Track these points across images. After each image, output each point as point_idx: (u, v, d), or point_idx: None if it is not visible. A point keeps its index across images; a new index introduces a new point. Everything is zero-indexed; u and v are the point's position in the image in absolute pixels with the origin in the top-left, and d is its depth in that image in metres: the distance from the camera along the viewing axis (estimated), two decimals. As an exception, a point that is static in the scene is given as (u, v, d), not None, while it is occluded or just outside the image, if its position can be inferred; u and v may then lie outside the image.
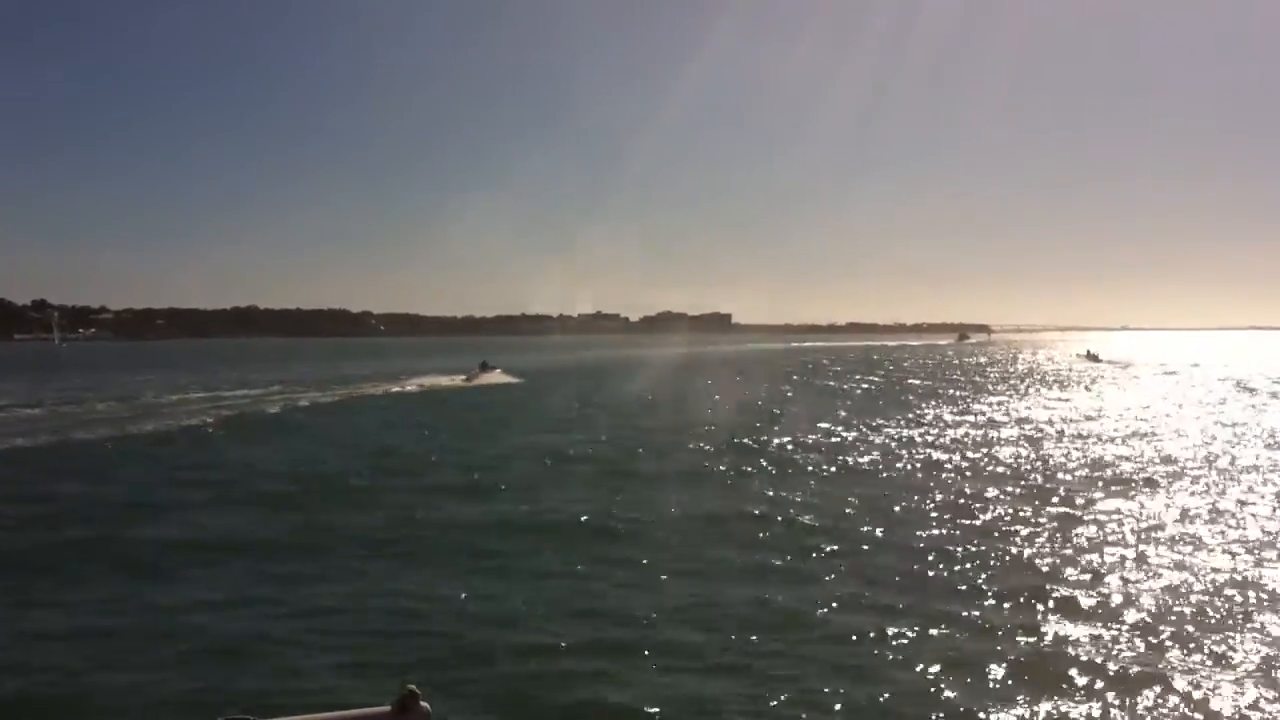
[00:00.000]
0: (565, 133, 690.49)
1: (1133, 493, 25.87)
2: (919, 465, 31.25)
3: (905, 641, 13.97)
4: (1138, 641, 14.03)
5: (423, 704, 8.50)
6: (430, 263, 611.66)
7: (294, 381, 76.11)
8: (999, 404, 57.48)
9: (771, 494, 25.94)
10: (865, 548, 19.81)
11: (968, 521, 22.24)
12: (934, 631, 14.36)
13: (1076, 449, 35.24)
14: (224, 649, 13.90)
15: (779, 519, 22.54)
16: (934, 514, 23.09)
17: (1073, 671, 12.79)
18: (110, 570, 18.09)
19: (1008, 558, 18.85)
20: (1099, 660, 13.17)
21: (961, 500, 24.85)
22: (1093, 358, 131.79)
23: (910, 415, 49.34)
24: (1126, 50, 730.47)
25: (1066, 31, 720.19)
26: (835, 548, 19.67)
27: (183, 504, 24.95)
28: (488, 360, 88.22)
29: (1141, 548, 19.56)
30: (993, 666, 12.98)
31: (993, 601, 15.94)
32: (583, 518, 22.86)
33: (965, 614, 15.13)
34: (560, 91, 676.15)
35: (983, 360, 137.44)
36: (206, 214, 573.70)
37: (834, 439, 38.68)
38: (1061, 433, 40.82)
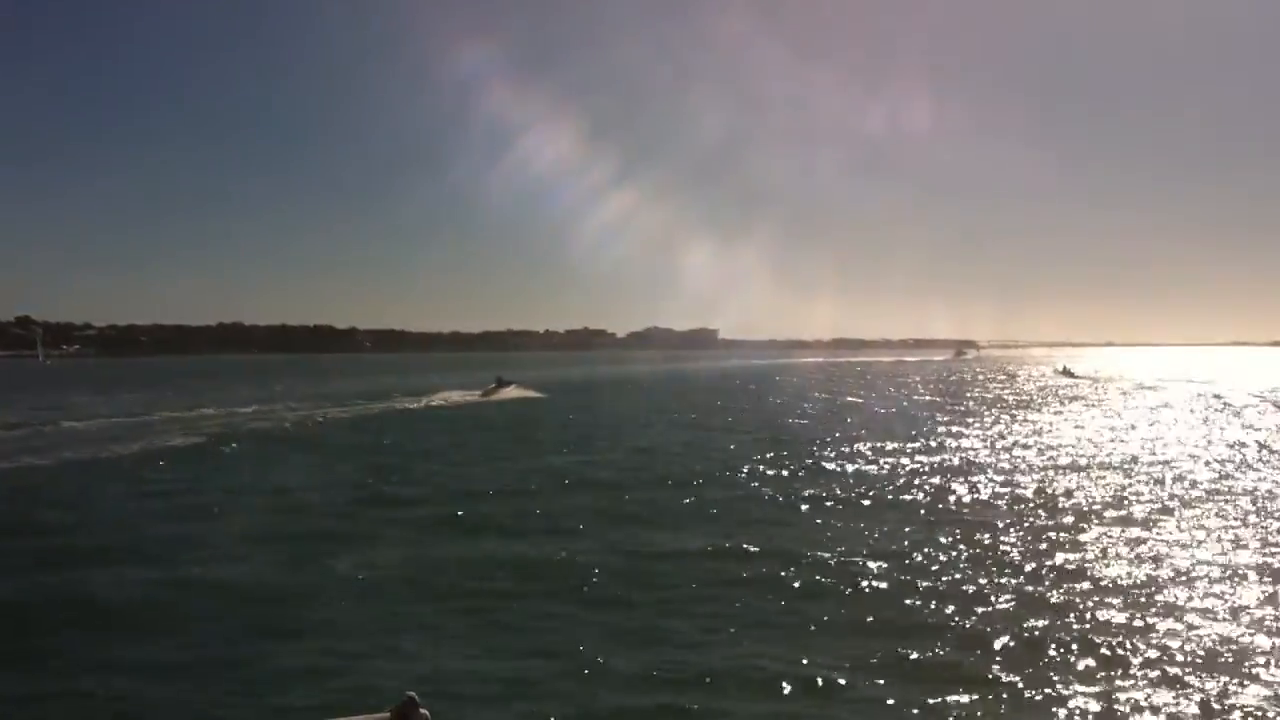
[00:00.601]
0: (556, 149, 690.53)
1: (1107, 514, 26.63)
2: (927, 492, 30.82)
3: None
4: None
5: (421, 711, 8.84)
6: (416, 279, 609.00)
7: (323, 397, 77.38)
8: (993, 425, 58.31)
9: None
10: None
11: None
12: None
13: (1039, 472, 36.05)
14: (225, 656, 14.29)
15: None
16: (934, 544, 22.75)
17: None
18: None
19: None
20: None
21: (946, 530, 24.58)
22: (1067, 373, 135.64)
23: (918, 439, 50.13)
24: (1110, 68, 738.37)
25: (1047, 45, 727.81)
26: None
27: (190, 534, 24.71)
28: (502, 376, 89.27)
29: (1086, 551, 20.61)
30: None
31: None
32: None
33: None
34: (549, 102, 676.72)
35: (968, 377, 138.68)
36: (191, 230, 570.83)
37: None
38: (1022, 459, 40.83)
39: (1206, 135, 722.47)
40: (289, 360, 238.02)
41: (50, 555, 21.65)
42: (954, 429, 52.70)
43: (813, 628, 16.43)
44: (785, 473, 35.13)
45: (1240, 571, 19.71)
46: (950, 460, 38.23)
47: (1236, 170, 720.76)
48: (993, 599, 17.88)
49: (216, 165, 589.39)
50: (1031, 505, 28.03)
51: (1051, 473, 34.61)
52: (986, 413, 65.70)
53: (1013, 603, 17.66)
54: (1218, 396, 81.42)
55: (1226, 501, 28.25)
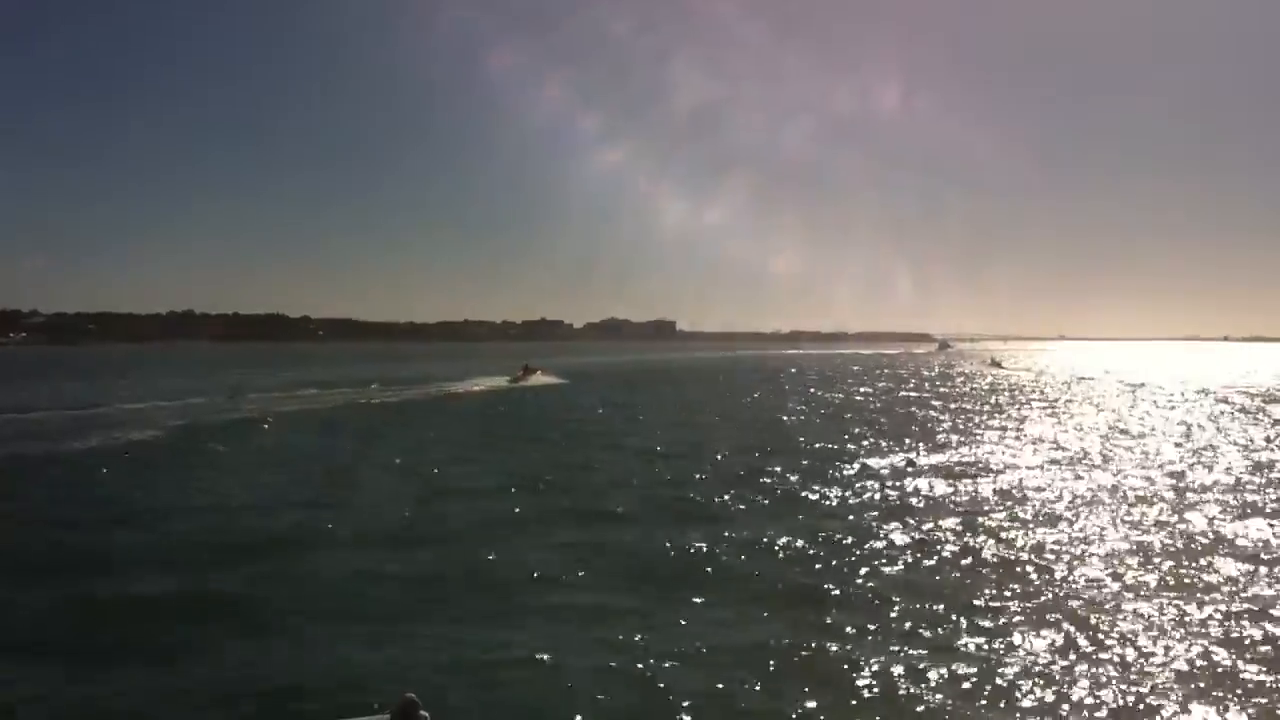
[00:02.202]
0: (510, 140, 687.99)
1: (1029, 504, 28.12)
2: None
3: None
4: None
5: (421, 712, 9.08)
6: (370, 268, 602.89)
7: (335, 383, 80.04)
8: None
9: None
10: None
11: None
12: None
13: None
14: (224, 663, 14.54)
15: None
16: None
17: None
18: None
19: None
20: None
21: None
22: (996, 364, 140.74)
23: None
24: (1063, 63, 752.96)
25: (1001, 41, 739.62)
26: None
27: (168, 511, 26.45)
28: (529, 363, 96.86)
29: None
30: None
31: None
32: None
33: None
34: (501, 99, 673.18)
35: (929, 372, 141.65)
36: (140, 216, 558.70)
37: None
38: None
39: (1162, 135, 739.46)
40: (262, 349, 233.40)
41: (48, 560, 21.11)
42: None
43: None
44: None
45: (1067, 552, 21.89)
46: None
47: (1193, 168, 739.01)
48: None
49: (166, 150, 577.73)
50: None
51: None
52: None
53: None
54: (1133, 389, 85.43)
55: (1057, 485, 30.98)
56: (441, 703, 10.85)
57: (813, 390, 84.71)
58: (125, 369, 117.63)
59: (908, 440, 44.01)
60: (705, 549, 22.26)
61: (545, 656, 14.63)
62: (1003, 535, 23.79)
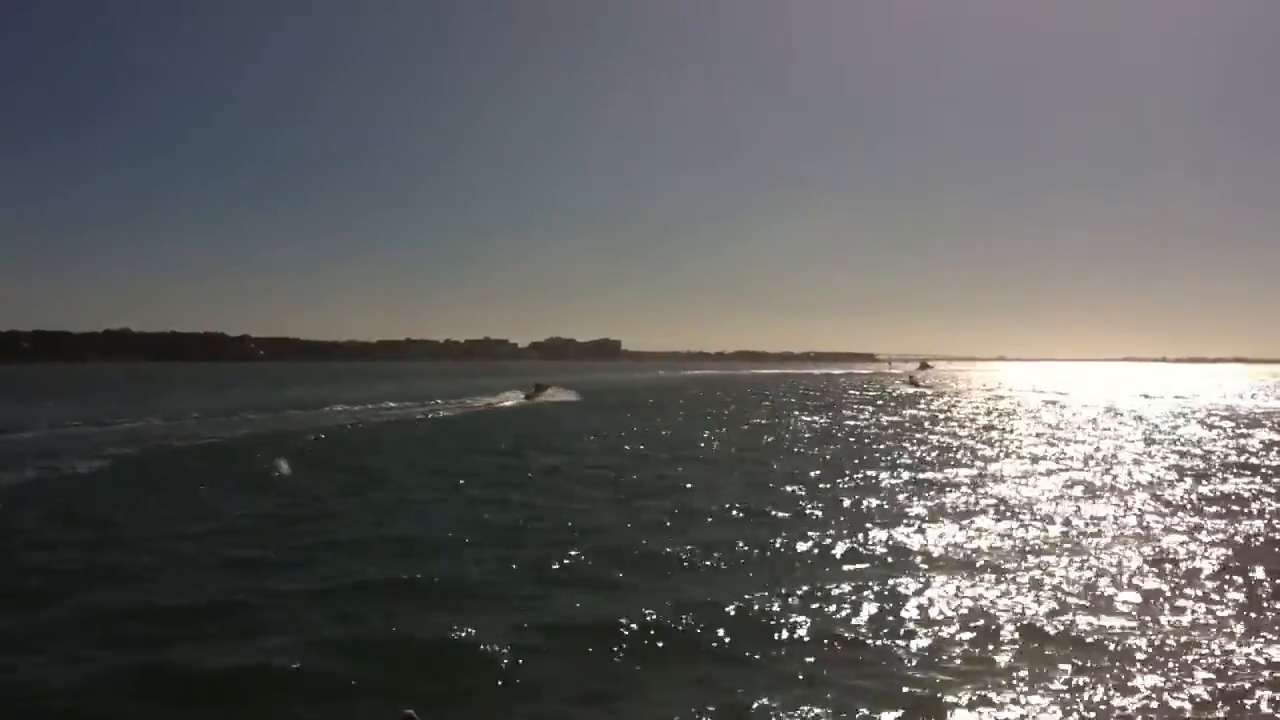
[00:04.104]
0: (459, 157, 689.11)
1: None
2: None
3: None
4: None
5: None
6: (311, 286, 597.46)
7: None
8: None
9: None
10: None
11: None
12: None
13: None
14: (222, 677, 12.85)
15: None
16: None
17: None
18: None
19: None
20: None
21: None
22: (913, 383, 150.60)
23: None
24: (1001, 88, 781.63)
25: (944, 67, 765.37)
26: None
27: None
28: (539, 382, 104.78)
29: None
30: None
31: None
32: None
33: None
34: (454, 114, 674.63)
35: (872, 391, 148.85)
36: (75, 232, 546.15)
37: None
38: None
39: (1099, 157, 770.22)
40: (203, 368, 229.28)
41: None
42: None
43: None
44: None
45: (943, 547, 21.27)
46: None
47: (1136, 191, 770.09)
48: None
49: (102, 164, 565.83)
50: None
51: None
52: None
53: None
54: (1052, 403, 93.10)
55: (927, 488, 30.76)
56: (442, 718, 10.73)
57: (852, 412, 77.12)
58: (63, 389, 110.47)
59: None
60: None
61: (550, 668, 13.38)
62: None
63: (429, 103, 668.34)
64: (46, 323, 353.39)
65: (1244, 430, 57.10)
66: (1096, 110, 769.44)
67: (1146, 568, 19.23)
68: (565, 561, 19.66)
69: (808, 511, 26.15)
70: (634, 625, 15.05)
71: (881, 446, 45.45)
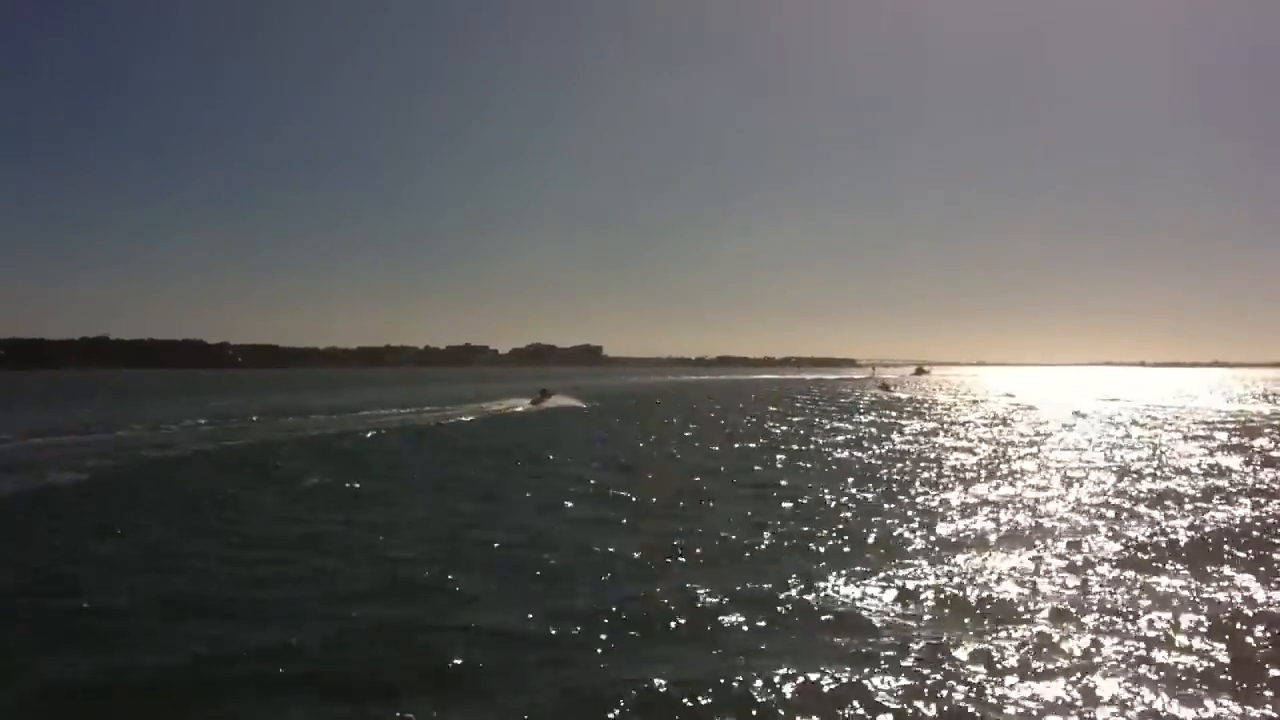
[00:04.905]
0: (440, 163, 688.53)
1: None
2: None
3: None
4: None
5: None
6: (289, 293, 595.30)
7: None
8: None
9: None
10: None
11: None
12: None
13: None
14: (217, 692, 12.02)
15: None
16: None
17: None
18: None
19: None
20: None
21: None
22: (885, 387, 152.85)
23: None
24: (980, 95, 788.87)
25: (923, 71, 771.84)
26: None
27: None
28: (546, 388, 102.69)
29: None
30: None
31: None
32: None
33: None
34: (433, 121, 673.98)
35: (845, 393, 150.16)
36: (52, 239, 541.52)
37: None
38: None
39: (1080, 163, 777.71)
40: (182, 376, 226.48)
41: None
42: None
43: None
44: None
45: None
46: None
47: (1116, 197, 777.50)
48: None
49: (78, 172, 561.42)
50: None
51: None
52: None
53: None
54: (1025, 408, 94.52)
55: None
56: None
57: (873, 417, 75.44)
58: (41, 397, 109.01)
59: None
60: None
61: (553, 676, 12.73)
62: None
63: (410, 109, 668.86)
64: (23, 330, 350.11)
65: (1163, 430, 58.65)
66: (1077, 118, 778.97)
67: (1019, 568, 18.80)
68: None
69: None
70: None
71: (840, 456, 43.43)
